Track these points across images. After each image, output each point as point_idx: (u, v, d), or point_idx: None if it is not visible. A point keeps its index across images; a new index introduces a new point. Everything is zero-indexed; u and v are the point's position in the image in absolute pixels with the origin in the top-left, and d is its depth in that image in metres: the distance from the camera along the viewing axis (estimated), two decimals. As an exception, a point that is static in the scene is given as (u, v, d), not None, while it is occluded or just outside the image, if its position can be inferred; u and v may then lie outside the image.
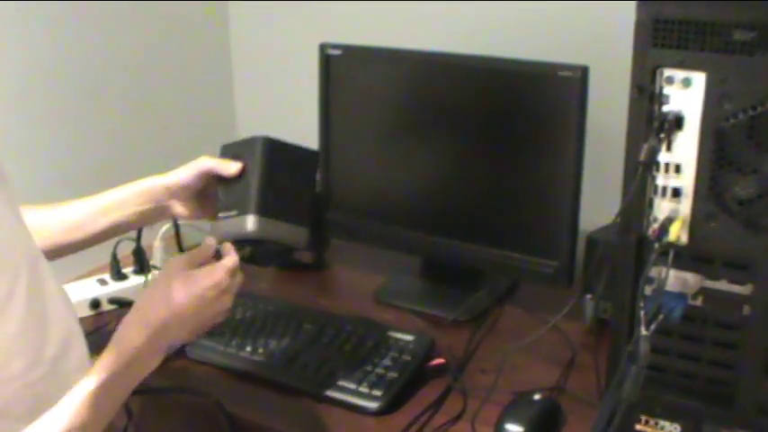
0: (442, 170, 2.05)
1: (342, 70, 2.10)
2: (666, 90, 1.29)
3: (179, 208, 1.62)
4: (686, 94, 1.27)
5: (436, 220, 2.07)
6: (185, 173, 1.58)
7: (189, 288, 1.31)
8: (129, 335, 1.27)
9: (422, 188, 2.09)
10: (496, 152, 1.96)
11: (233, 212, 1.53)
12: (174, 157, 1.67)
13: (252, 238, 1.52)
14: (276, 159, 1.57)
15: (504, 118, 1.93)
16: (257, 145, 1.56)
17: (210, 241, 1.42)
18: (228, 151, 1.61)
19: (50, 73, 2.16)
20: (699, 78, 1.26)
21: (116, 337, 1.27)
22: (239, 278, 1.42)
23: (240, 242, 1.50)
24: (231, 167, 1.55)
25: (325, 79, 2.11)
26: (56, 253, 1.51)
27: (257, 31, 2.46)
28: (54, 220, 1.54)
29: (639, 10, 1.27)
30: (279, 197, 1.54)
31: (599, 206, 1.84)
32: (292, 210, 1.56)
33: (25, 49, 2.00)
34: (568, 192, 1.87)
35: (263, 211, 1.52)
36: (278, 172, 1.56)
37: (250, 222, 1.51)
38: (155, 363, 1.30)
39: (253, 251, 1.53)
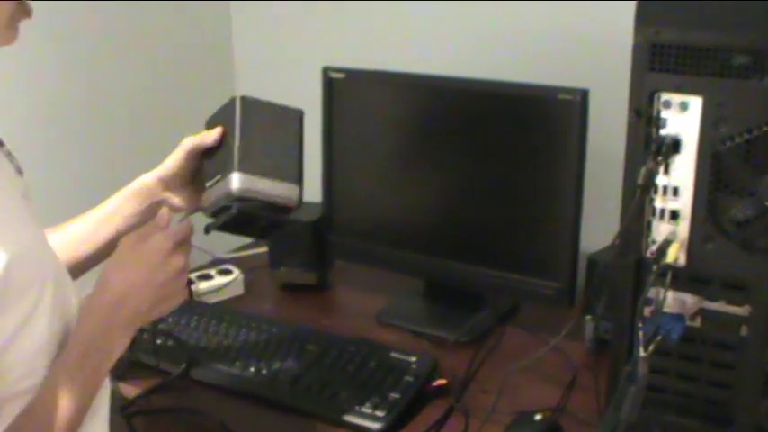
0: (444, 193, 2.08)
1: (345, 93, 2.12)
2: (664, 114, 1.31)
3: (176, 200, 1.58)
4: (683, 117, 1.29)
5: (438, 242, 2.09)
6: (172, 159, 1.56)
7: (134, 256, 1.30)
8: (89, 317, 1.27)
9: (424, 210, 2.11)
10: (498, 175, 1.99)
11: (217, 177, 1.48)
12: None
13: (238, 196, 1.45)
14: (255, 116, 1.52)
15: (505, 141, 1.96)
16: (233, 105, 1.52)
17: (163, 212, 1.37)
18: (210, 123, 1.57)
19: (50, 91, 2.18)
20: (696, 102, 1.28)
21: (78, 320, 1.28)
22: (186, 245, 1.37)
23: (227, 208, 1.45)
24: (211, 135, 1.52)
25: (328, 102, 2.13)
26: (72, 272, 1.46)
27: (261, 54, 2.48)
28: (62, 240, 1.53)
29: (637, 34, 1.29)
30: (263, 154, 1.48)
31: (600, 227, 1.85)
32: (279, 166, 1.49)
33: (25, 54, 2.01)
34: (569, 214, 1.89)
35: (247, 168, 1.46)
36: (259, 128, 1.51)
37: (234, 180, 1.45)
38: (122, 339, 1.29)
39: (237, 216, 1.45)
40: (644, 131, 1.31)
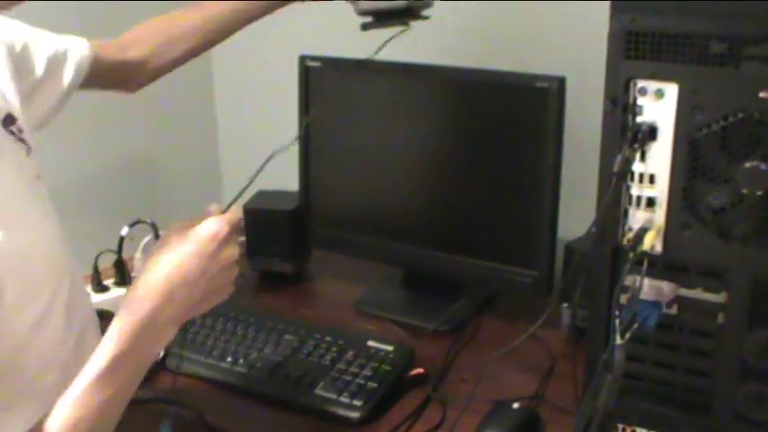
0: (421, 181, 2.08)
1: (322, 82, 2.12)
2: (640, 101, 1.30)
3: None
4: (659, 105, 1.29)
5: (416, 230, 2.10)
6: None
7: (185, 247, 1.19)
8: (131, 312, 1.18)
9: (401, 199, 2.11)
10: (475, 163, 1.98)
11: None
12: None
13: None
14: None
15: (482, 129, 1.96)
16: None
17: (213, 208, 1.28)
18: None
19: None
20: (671, 89, 1.28)
21: (118, 315, 1.18)
22: (236, 234, 1.27)
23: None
24: None
25: (305, 91, 2.13)
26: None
27: (238, 42, 2.46)
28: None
29: (612, 22, 1.28)
30: None
31: (578, 215, 1.81)
32: None
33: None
34: (547, 202, 1.89)
35: None
36: None
37: None
38: (167, 335, 1.22)
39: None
40: (620, 119, 1.30)
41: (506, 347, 1.52)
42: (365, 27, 1.78)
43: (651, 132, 1.30)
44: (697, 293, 1.35)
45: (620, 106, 1.30)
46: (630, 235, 1.35)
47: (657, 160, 1.32)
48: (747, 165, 1.24)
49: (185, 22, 1.76)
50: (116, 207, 2.32)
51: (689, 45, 1.26)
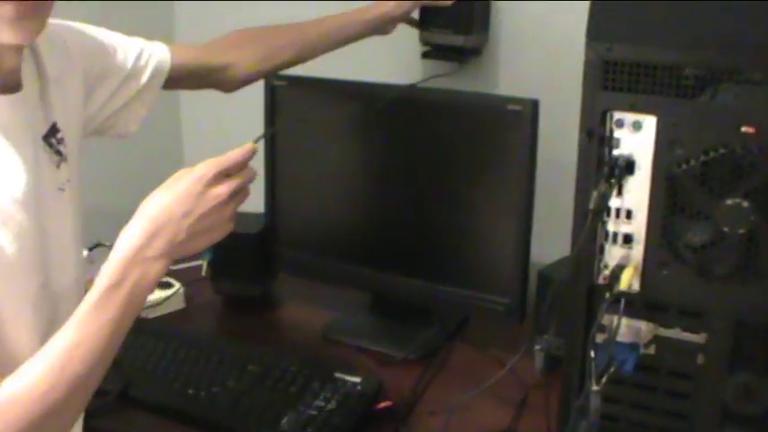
0: (391, 204, 2.02)
1: (287, 101, 2.06)
2: (617, 133, 1.25)
3: None
4: (637, 137, 1.24)
5: (386, 255, 2.04)
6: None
7: (173, 186, 1.26)
8: (122, 245, 1.24)
9: (370, 223, 2.05)
10: (446, 186, 1.93)
11: None
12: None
13: None
14: None
15: (453, 151, 1.90)
16: None
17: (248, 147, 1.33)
18: None
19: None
20: (650, 122, 1.23)
21: (113, 250, 1.24)
22: (237, 176, 1.31)
23: None
24: None
25: (271, 110, 2.07)
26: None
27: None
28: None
29: (588, 51, 1.23)
30: None
31: (551, 238, 1.83)
32: None
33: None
34: (519, 228, 1.83)
35: None
36: None
37: None
38: (156, 268, 1.25)
39: None
40: (596, 152, 1.25)
41: (479, 388, 1.46)
42: (425, 55, 2.09)
43: (628, 166, 1.25)
44: (676, 333, 1.30)
45: (596, 138, 1.24)
46: (607, 272, 1.29)
47: (635, 195, 1.26)
48: (729, 202, 1.19)
49: (283, 36, 1.88)
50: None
51: (667, 76, 1.21)
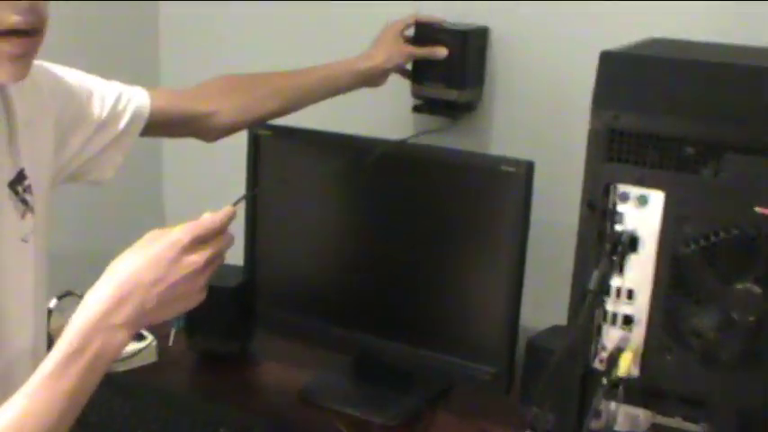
0: (375, 264, 1.93)
1: (272, 152, 1.98)
2: (621, 207, 1.17)
3: None
4: (642, 213, 1.16)
5: (368, 316, 1.95)
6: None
7: (147, 250, 1.20)
8: (86, 310, 1.17)
9: (354, 282, 1.96)
10: (433, 247, 1.84)
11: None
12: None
13: None
14: None
15: (441, 212, 1.82)
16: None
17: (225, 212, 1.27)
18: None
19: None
20: (657, 197, 1.15)
21: (75, 313, 1.18)
22: (212, 242, 1.25)
23: None
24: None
25: (254, 161, 1.98)
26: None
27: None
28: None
29: (594, 119, 1.15)
30: None
31: (542, 304, 1.77)
32: None
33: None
34: (509, 293, 1.75)
35: None
36: None
37: None
38: (120, 339, 1.18)
39: None
40: (597, 225, 1.16)
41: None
42: (416, 109, 2.02)
43: (632, 243, 1.17)
44: (676, 422, 1.21)
45: (598, 212, 1.16)
46: (604, 355, 1.20)
47: (637, 274, 1.18)
48: (739, 286, 1.11)
49: (269, 85, 1.82)
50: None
51: (678, 149, 1.12)
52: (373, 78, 1.91)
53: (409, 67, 1.97)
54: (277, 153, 1.97)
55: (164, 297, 1.19)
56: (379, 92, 1.94)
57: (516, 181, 1.71)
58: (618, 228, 1.17)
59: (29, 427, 1.12)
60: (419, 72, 1.99)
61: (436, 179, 1.83)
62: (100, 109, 1.56)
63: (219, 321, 2.06)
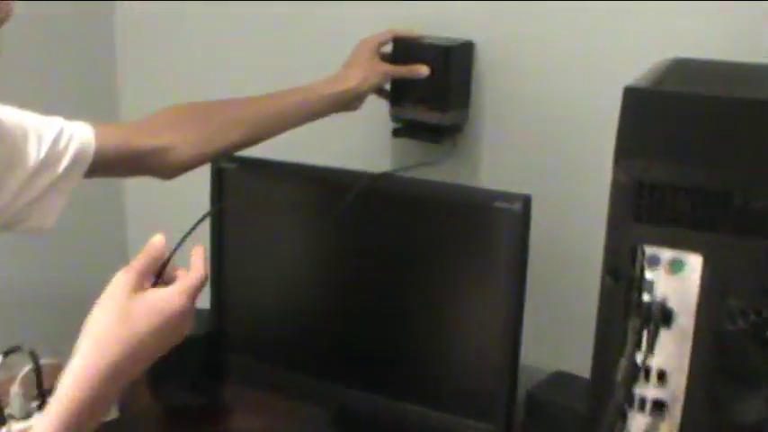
0: (357, 308, 1.77)
1: (237, 187, 1.81)
2: (650, 274, 0.97)
3: None
4: (676, 281, 0.96)
5: (349, 367, 1.79)
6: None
7: (150, 319, 1.15)
8: (78, 385, 1.11)
9: (333, 328, 1.81)
10: (420, 290, 1.69)
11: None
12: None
13: None
14: None
15: (429, 251, 1.67)
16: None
17: (157, 241, 1.22)
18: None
19: None
20: (694, 262, 0.95)
21: (61, 385, 1.11)
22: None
23: None
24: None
25: (218, 196, 1.82)
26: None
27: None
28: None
29: (618, 171, 0.96)
30: None
31: (541, 350, 1.69)
32: None
33: None
34: (506, 341, 1.59)
35: None
36: None
37: None
38: (111, 405, 1.21)
39: None
40: (622, 297, 0.97)
41: None
42: (396, 133, 1.85)
43: (664, 317, 0.98)
44: None
45: (623, 281, 0.97)
46: (630, 447, 1.02)
47: (670, 353, 1.01)
48: (794, 370, 0.92)
49: (231, 113, 1.69)
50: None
51: (722, 205, 0.93)
52: (348, 102, 1.77)
53: (388, 86, 1.83)
54: (243, 187, 1.81)
55: (151, 359, 1.18)
56: (354, 115, 1.81)
57: (512, 218, 1.55)
58: (646, 297, 0.98)
59: None
60: (398, 93, 1.84)
61: (421, 216, 1.67)
62: (37, 149, 1.44)
63: (186, 372, 1.94)
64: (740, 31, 1.55)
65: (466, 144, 1.90)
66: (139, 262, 1.19)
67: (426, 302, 1.69)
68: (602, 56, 1.71)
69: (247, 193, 1.82)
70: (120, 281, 1.16)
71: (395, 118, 1.87)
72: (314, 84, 1.74)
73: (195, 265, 1.21)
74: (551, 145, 1.80)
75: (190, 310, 1.18)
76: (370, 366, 1.78)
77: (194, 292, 1.19)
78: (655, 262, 0.98)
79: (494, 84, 1.85)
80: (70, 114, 1.55)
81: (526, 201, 1.54)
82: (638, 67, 1.60)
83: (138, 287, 1.16)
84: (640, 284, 0.99)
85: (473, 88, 1.87)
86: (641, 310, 0.98)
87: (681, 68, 1.17)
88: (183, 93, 1.81)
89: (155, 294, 1.17)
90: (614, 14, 1.68)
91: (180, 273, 1.21)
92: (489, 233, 1.58)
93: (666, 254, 0.98)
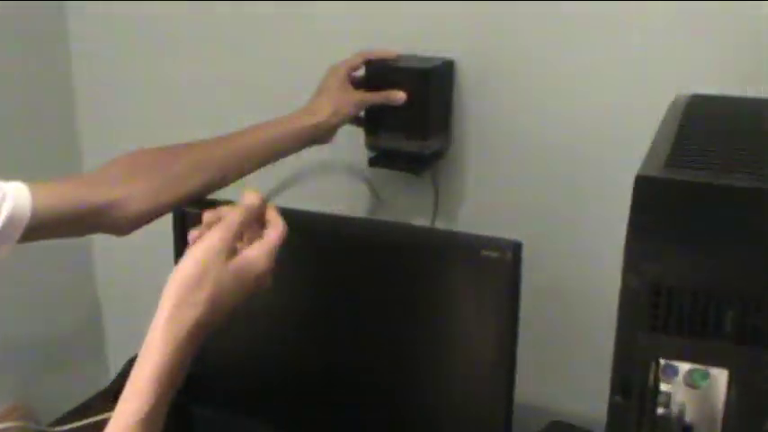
0: (335, 361, 1.65)
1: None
2: (665, 386, 0.83)
3: None
4: (697, 396, 0.82)
5: (325, 425, 1.67)
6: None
7: (236, 283, 1.19)
8: (164, 338, 1.14)
9: (310, 383, 1.68)
10: (401, 343, 1.57)
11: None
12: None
13: None
14: None
15: (410, 300, 1.54)
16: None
17: (254, 202, 1.25)
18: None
19: None
20: (719, 377, 0.81)
21: (148, 344, 1.14)
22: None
23: None
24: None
25: (181, 242, 1.66)
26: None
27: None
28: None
29: (629, 275, 0.81)
30: None
31: (537, 400, 1.64)
32: None
33: None
34: (498, 393, 1.48)
35: None
36: None
37: None
38: (187, 366, 1.19)
39: None
40: (635, 416, 0.83)
41: None
42: (372, 163, 1.74)
43: (684, 434, 0.84)
44: None
45: (635, 398, 0.83)
46: None
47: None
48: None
49: (189, 157, 1.55)
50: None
51: (753, 313, 0.79)
52: (319, 136, 1.64)
53: (362, 113, 1.71)
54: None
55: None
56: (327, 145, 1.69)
57: (501, 268, 1.42)
58: (660, 411, 0.84)
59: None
60: (374, 120, 1.71)
61: (401, 264, 1.54)
62: None
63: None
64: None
65: (447, 172, 1.79)
66: (235, 224, 1.19)
67: (409, 354, 1.57)
68: (596, 74, 1.59)
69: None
70: (216, 247, 1.16)
71: (370, 147, 1.75)
72: (281, 119, 1.60)
73: (273, 222, 1.25)
74: (539, 170, 1.70)
75: (271, 269, 1.22)
76: (347, 425, 1.66)
77: (276, 250, 1.23)
78: (671, 373, 0.85)
79: (478, 107, 1.73)
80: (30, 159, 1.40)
81: (516, 248, 1.40)
82: (634, 86, 1.49)
83: (231, 253, 1.17)
84: (654, 399, 0.85)
85: (454, 112, 1.75)
86: (658, 427, 0.84)
87: (697, 122, 1.02)
88: (145, 133, 1.68)
89: (243, 260, 1.19)
90: (609, 30, 1.57)
91: (265, 231, 1.24)
92: (477, 283, 1.45)
93: (685, 366, 0.84)
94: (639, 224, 0.82)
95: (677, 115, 1.07)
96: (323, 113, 1.61)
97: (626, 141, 1.44)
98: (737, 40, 1.46)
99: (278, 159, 1.61)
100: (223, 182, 1.58)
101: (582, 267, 1.64)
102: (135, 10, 2.04)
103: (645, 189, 0.81)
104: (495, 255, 1.41)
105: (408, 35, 1.71)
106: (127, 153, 1.54)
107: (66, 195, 1.45)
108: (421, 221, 1.80)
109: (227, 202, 1.57)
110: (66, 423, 1.93)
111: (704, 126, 1.03)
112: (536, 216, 1.64)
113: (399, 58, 1.68)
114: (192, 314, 1.14)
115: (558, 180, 1.66)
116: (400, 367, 1.58)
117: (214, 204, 1.29)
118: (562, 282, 1.64)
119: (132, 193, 1.49)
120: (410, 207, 1.80)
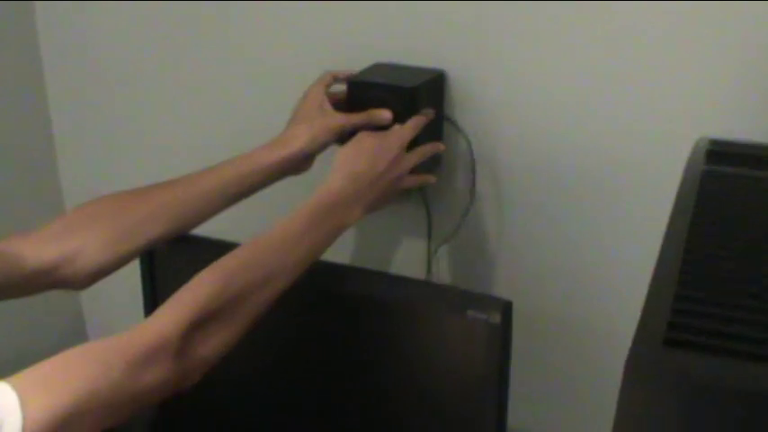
0: (310, 414, 1.52)
1: (170, 271, 1.57)
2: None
3: None
4: None
5: None
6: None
7: (382, 144, 1.40)
8: (333, 184, 1.35)
9: None
10: (381, 402, 1.45)
11: None
12: None
13: None
14: None
15: (393, 360, 1.42)
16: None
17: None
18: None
19: None
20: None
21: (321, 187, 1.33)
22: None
23: None
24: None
25: (150, 281, 1.59)
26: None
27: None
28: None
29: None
30: None
31: None
32: None
33: None
34: None
35: None
36: None
37: None
38: (354, 214, 1.35)
39: None
40: None
41: None
42: None
43: None
44: None
45: None
46: None
47: None
48: None
49: (150, 202, 1.44)
50: None
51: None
52: (295, 167, 1.51)
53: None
54: (176, 272, 1.51)
55: (381, 188, 1.40)
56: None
57: (488, 331, 1.29)
58: None
59: (260, 259, 1.25)
60: None
61: (384, 320, 1.42)
62: None
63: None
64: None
65: (438, 197, 1.66)
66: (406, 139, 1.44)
67: (388, 414, 1.46)
68: (596, 88, 1.47)
69: (181, 277, 1.55)
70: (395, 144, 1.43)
71: None
72: (253, 152, 1.48)
73: (412, 122, 1.46)
74: (538, 196, 1.58)
75: (401, 155, 1.42)
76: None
77: (405, 143, 1.43)
78: None
79: (470, 120, 1.60)
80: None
81: (506, 308, 1.29)
82: (632, 100, 1.43)
83: None
84: None
85: (444, 127, 1.60)
86: None
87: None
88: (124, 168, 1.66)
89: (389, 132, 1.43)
90: (608, 42, 1.44)
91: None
92: (462, 344, 1.33)
93: None
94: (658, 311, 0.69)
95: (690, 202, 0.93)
96: (297, 143, 1.48)
97: (627, 157, 1.43)
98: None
99: (249, 195, 1.50)
100: (188, 226, 1.47)
101: (584, 292, 1.53)
102: (111, 51, 1.97)
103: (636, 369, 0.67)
104: (482, 317, 1.29)
105: (400, 45, 1.59)
106: (86, 202, 1.44)
107: (8, 258, 1.34)
108: (414, 242, 1.69)
109: (204, 239, 1.48)
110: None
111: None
112: (533, 233, 1.56)
113: (387, 71, 1.56)
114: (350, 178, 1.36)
115: (557, 200, 1.55)
116: (377, 427, 1.47)
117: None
118: (567, 307, 1.54)
119: (86, 246, 1.38)
120: (403, 228, 1.71)
